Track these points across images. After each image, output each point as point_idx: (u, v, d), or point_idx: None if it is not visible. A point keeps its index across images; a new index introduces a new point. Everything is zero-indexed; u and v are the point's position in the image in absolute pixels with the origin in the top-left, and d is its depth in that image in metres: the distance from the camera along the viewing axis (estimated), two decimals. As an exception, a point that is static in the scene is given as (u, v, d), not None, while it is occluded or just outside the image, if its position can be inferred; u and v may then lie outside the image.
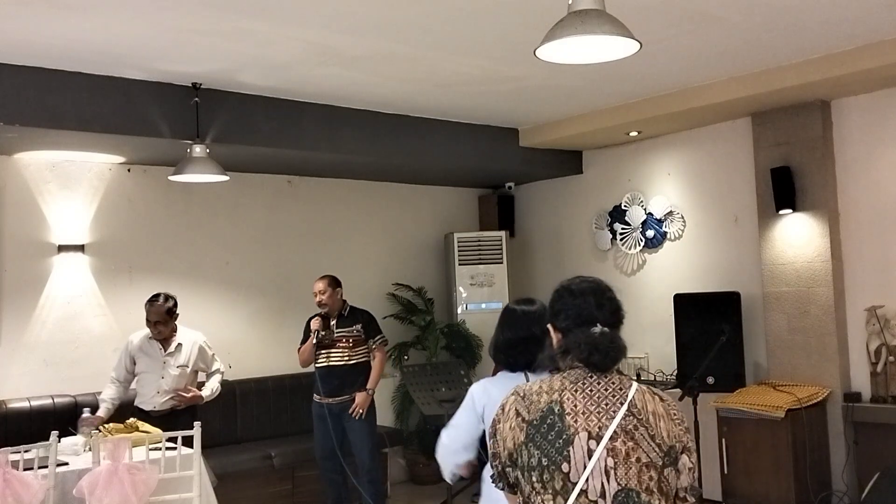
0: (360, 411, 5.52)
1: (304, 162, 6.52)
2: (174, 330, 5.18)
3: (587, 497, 1.82)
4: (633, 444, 1.85)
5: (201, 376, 5.37)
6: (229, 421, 6.41)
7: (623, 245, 7.18)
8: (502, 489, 1.99)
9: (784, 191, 5.87)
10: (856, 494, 5.52)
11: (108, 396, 5.09)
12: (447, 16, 4.21)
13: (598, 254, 7.44)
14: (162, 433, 4.45)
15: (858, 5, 4.32)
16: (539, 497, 1.85)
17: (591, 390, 1.91)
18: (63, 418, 5.20)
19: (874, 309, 5.57)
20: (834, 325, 5.73)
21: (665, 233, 6.91)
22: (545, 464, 1.84)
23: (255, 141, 5.70)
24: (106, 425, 4.71)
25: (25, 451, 3.98)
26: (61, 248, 5.91)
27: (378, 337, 5.74)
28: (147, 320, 5.10)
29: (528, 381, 2.74)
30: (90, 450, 4.36)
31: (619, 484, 1.82)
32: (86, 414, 4.73)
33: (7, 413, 5.44)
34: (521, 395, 1.95)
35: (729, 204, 6.50)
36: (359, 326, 5.66)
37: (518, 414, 1.92)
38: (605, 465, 1.83)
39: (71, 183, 5.99)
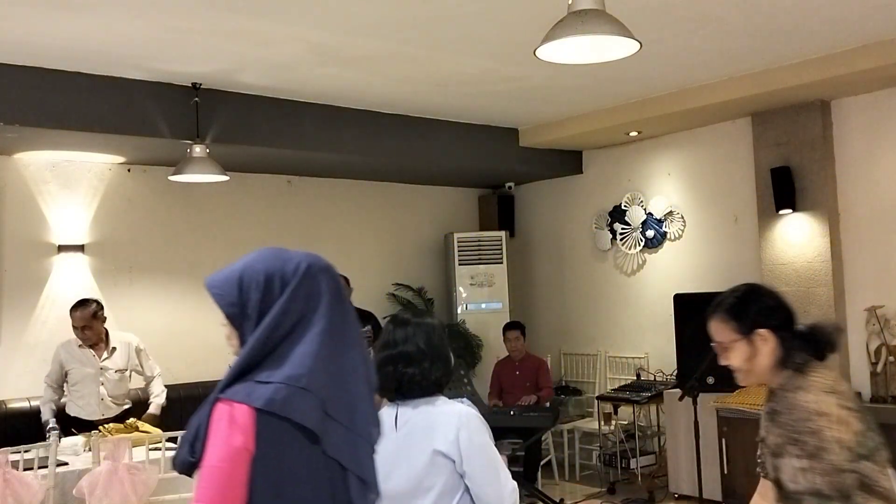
0: None
1: (304, 162, 6.52)
2: (104, 334, 5.15)
3: None
4: None
5: (137, 380, 5.35)
6: (229, 421, 6.40)
7: (623, 245, 7.18)
8: None
9: (784, 191, 5.86)
10: (856, 494, 5.52)
11: (51, 398, 5.03)
12: (447, 16, 4.21)
13: (598, 254, 7.43)
14: (162, 433, 4.45)
15: (858, 5, 4.32)
16: (879, 474, 2.01)
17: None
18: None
19: (874, 309, 5.57)
20: (834, 325, 5.72)
21: (665, 233, 6.91)
22: (882, 441, 2.04)
23: (255, 141, 5.70)
24: (106, 425, 4.72)
25: (25, 451, 3.98)
26: (61, 248, 5.91)
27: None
28: (74, 326, 5.05)
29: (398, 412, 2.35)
30: (90, 450, 4.36)
31: None
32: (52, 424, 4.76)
33: (7, 413, 5.45)
34: (835, 392, 2.05)
35: (729, 204, 6.49)
36: (369, 327, 5.61)
37: (848, 408, 2.02)
38: None
39: (71, 183, 5.99)
